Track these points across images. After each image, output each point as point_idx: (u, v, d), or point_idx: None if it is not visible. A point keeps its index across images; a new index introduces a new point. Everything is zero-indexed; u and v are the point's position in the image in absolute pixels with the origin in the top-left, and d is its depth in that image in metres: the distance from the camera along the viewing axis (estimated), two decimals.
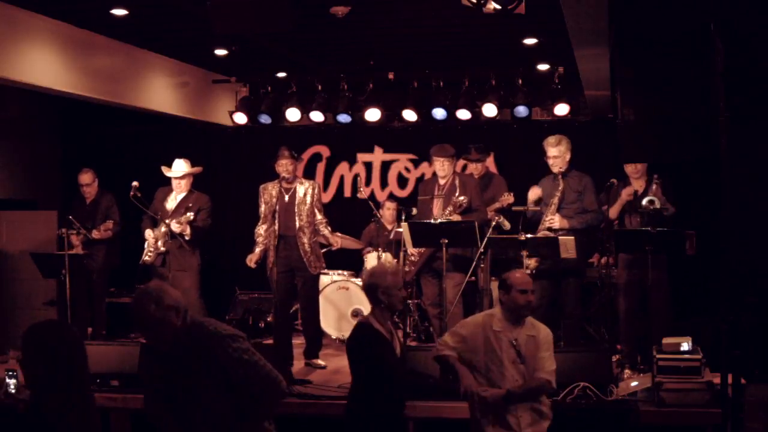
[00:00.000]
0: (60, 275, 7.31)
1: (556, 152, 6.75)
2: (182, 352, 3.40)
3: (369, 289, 4.55)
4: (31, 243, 8.32)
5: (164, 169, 7.53)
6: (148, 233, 7.33)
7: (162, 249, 7.21)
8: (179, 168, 7.47)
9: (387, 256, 8.34)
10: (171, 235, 7.19)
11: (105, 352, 6.24)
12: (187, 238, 7.22)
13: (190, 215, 7.20)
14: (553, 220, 6.67)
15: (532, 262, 6.83)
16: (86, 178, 8.16)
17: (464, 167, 8.30)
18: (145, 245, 7.34)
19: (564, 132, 9.38)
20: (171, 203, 7.44)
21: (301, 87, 9.50)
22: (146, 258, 7.31)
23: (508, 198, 7.47)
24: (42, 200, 9.70)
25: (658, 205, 6.45)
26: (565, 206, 6.72)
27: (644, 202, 6.47)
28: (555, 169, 6.77)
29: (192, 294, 7.26)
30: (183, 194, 7.45)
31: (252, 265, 7.16)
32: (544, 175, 7.03)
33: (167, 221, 7.21)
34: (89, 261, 7.85)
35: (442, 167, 7.02)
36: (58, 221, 8.36)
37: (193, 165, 7.58)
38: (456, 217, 6.83)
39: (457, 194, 6.95)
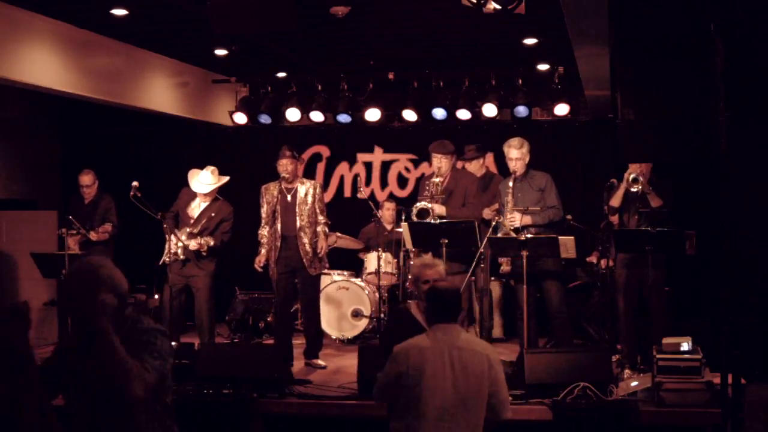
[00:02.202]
0: (60, 275, 7.31)
1: (519, 155, 6.78)
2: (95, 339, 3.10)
3: None
4: (31, 243, 8.31)
5: (191, 174, 7.37)
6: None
7: (182, 257, 7.15)
8: (206, 180, 7.30)
9: (387, 256, 8.35)
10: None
11: None
12: (204, 254, 7.17)
13: (211, 241, 7.13)
14: (514, 219, 6.69)
15: (505, 266, 6.87)
16: (87, 179, 8.15)
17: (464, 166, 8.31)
18: (166, 246, 7.23)
19: (564, 132, 9.48)
20: (194, 210, 7.32)
21: (301, 87, 9.50)
22: (166, 259, 7.24)
23: None
24: (42, 200, 9.70)
25: (640, 185, 6.46)
26: (528, 205, 6.74)
27: (630, 177, 6.49)
28: (518, 172, 6.79)
29: (203, 295, 7.24)
30: (207, 202, 7.37)
31: (259, 268, 7.13)
32: None
33: (188, 230, 7.15)
34: None
35: (439, 163, 7.01)
36: (58, 221, 8.36)
37: (192, 166, 7.46)
38: (438, 207, 6.82)
39: (434, 179, 6.94)
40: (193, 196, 7.38)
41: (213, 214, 7.28)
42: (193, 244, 7.11)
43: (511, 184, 6.79)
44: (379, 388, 4.10)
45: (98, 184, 8.25)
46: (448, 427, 3.85)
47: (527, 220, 6.70)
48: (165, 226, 7.16)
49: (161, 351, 3.16)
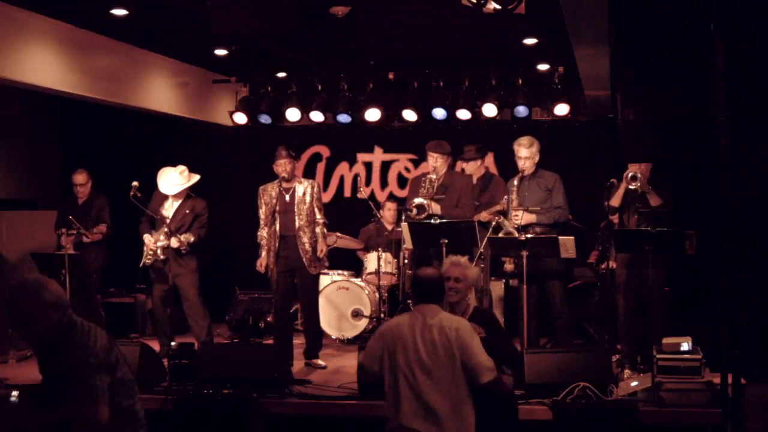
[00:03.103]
0: (60, 275, 7.31)
1: (528, 153, 6.80)
2: (49, 350, 3.28)
3: None
4: (31, 243, 8.31)
5: (160, 174, 7.38)
6: (147, 238, 7.29)
7: (161, 257, 7.19)
8: (175, 181, 7.32)
9: (387, 256, 8.35)
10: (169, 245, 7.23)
11: None
12: (184, 252, 7.23)
13: (191, 237, 7.21)
14: (518, 216, 6.69)
15: (508, 264, 6.86)
16: (80, 178, 8.15)
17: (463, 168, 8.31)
18: (144, 249, 7.31)
19: (564, 132, 9.48)
20: (168, 210, 7.37)
21: (301, 87, 9.50)
22: (146, 261, 7.29)
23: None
24: (42, 200, 9.69)
25: (638, 183, 6.46)
26: (533, 204, 6.76)
27: (629, 175, 6.49)
28: (526, 171, 6.80)
29: (191, 293, 7.28)
30: (180, 201, 7.40)
31: (262, 270, 7.13)
32: None
33: (166, 229, 7.19)
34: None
35: (435, 162, 7.02)
36: (57, 221, 8.35)
37: (192, 166, 7.48)
38: (435, 205, 6.83)
39: (430, 175, 6.96)
40: (166, 195, 7.41)
41: (187, 211, 7.33)
42: (173, 243, 7.14)
43: (516, 182, 6.80)
44: (360, 366, 4.37)
45: (92, 183, 8.25)
46: (425, 401, 4.07)
47: (531, 218, 6.71)
48: (144, 227, 7.30)
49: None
